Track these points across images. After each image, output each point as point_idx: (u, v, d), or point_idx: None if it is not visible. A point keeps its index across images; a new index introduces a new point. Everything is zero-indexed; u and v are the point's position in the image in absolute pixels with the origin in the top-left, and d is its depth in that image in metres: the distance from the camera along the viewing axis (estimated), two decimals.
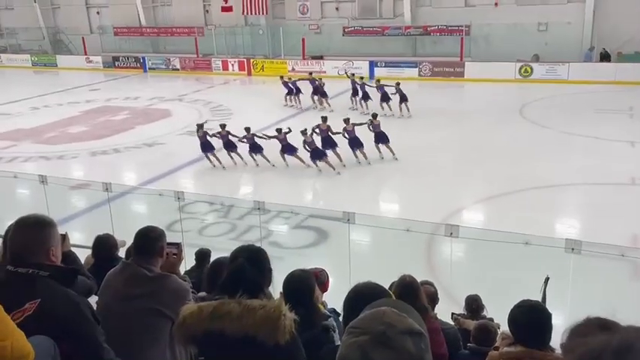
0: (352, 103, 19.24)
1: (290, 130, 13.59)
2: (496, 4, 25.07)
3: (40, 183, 8.09)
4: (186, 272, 5.20)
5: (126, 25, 31.22)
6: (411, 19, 26.01)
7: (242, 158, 13.83)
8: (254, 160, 13.68)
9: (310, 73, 21.79)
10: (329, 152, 13.28)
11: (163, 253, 2.76)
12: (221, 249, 8.39)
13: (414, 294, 3.01)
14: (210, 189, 12.39)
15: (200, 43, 29.19)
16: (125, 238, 5.77)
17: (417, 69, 24.61)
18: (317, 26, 27.99)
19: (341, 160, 13.23)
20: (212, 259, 6.22)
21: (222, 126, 14.18)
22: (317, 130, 13.63)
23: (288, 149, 13.41)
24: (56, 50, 32.78)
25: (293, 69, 26.47)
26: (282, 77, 21.12)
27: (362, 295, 1.60)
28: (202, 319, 1.49)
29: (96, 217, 9.58)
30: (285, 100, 20.30)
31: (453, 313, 5.06)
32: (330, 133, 13.60)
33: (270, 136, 13.68)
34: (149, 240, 2.70)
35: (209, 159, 13.87)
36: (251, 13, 28.54)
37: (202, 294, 3.21)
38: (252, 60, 27.61)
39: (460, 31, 24.76)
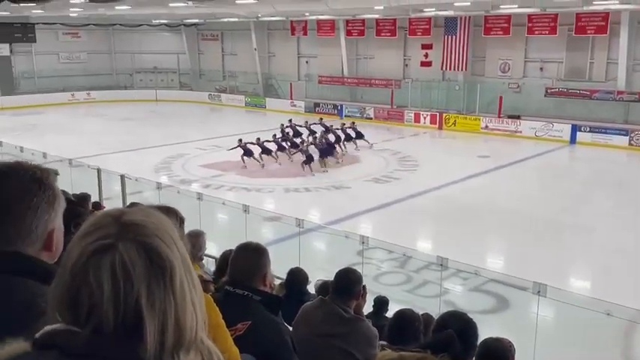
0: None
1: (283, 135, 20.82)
2: None
3: (242, 212, 8.93)
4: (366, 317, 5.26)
5: (329, 75, 33.44)
6: (626, 83, 23.90)
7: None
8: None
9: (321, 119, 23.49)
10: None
11: (359, 296, 2.85)
12: (395, 299, 8.38)
13: None
14: (389, 237, 12.50)
15: (395, 95, 30.06)
16: (308, 273, 6.08)
17: (628, 137, 22.40)
18: (517, 85, 27.11)
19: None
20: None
21: (258, 139, 19.59)
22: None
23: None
24: (266, 93, 36.24)
25: (487, 126, 25.92)
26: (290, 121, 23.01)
27: None
28: None
29: (284, 248, 10.21)
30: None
31: None
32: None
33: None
34: (350, 282, 2.82)
35: (244, 160, 18.99)
36: (450, 69, 28.71)
37: (382, 342, 3.23)
38: (444, 114, 27.63)
39: None
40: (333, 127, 21.54)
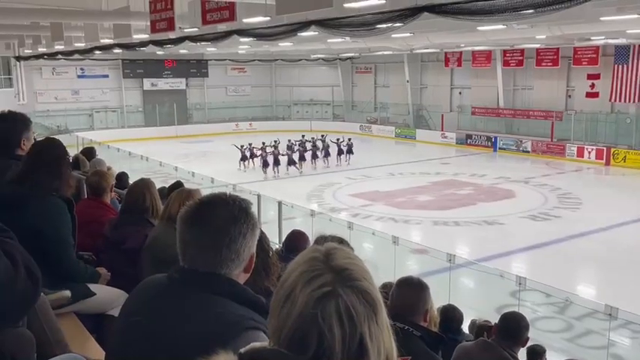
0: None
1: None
2: None
3: (392, 243, 8.95)
4: None
5: (484, 106, 32.49)
6: None
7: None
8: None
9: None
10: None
11: (525, 343, 2.73)
12: (553, 347, 7.78)
13: None
14: (545, 279, 11.67)
15: (556, 127, 28.31)
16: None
17: None
18: None
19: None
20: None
21: (250, 144, 24.15)
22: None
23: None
24: (417, 124, 36.16)
25: None
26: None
27: None
28: None
29: (432, 283, 9.97)
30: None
31: None
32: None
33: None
34: (520, 327, 2.72)
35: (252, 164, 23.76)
36: (620, 101, 26.40)
37: None
38: (613, 149, 25.39)
39: None
40: (328, 140, 25.52)
